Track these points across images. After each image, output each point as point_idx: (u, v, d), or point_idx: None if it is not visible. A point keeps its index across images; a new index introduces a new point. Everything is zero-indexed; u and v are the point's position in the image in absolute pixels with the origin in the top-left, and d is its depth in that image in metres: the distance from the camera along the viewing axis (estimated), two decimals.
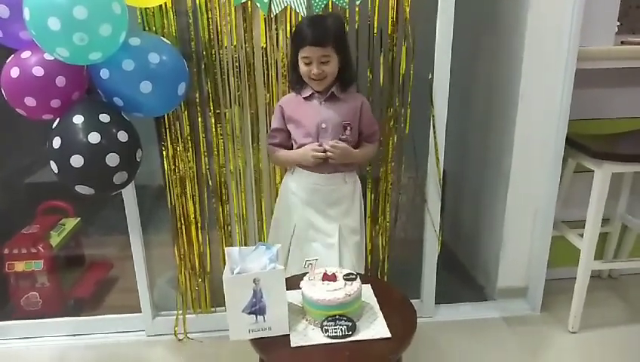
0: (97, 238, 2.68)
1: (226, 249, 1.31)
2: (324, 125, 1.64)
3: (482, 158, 2.42)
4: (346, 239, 1.71)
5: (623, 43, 2.19)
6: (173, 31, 1.77)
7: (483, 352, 2.00)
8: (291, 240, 1.73)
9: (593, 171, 1.96)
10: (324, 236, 1.70)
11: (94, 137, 1.48)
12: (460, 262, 2.68)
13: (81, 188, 1.54)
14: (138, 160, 1.61)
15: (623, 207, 2.33)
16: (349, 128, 1.66)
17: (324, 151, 1.62)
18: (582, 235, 2.04)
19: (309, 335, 1.27)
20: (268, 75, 1.85)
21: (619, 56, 2.08)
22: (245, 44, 1.82)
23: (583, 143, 2.00)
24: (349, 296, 1.28)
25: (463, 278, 2.55)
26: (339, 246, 1.69)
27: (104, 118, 1.52)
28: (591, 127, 2.20)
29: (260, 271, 1.25)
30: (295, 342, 1.25)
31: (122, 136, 1.53)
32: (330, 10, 1.79)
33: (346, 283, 1.32)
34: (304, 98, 1.67)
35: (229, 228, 2.03)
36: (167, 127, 1.87)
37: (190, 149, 1.91)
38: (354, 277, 1.34)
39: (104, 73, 1.51)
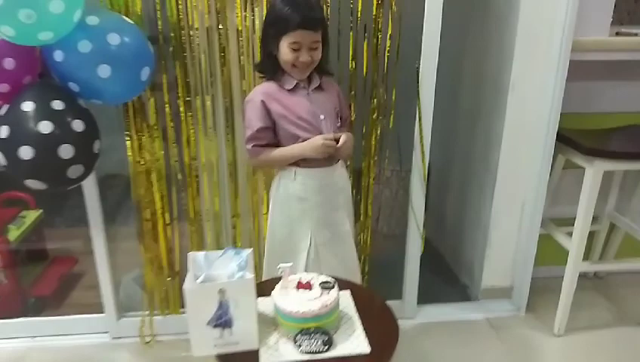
0: (61, 231, 2.54)
1: (189, 254, 1.18)
2: (322, 116, 1.51)
3: (469, 152, 2.33)
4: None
5: (617, 34, 2.10)
6: (138, 9, 1.62)
7: (465, 356, 1.93)
8: (309, 251, 1.57)
9: (583, 168, 1.87)
10: (337, 226, 1.60)
11: (46, 126, 1.36)
12: (444, 260, 2.61)
13: (31, 183, 1.40)
14: (96, 152, 1.48)
15: (611, 205, 2.26)
16: (339, 115, 1.58)
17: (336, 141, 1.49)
18: (569, 234, 1.97)
19: (280, 350, 1.16)
20: (244, 59, 1.72)
21: (613, 48, 1.99)
22: (219, 25, 1.68)
23: (574, 139, 1.91)
24: (326, 306, 1.17)
25: (446, 277, 2.47)
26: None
27: (57, 105, 1.39)
28: (580, 121, 2.10)
29: (227, 281, 1.13)
30: (265, 358, 1.13)
31: (78, 126, 1.41)
32: None
33: (322, 292, 1.20)
34: (288, 90, 1.50)
35: (200, 225, 1.90)
36: (131, 115, 1.73)
37: (157, 140, 1.77)
38: (331, 285, 1.23)
39: (58, 55, 1.38)
